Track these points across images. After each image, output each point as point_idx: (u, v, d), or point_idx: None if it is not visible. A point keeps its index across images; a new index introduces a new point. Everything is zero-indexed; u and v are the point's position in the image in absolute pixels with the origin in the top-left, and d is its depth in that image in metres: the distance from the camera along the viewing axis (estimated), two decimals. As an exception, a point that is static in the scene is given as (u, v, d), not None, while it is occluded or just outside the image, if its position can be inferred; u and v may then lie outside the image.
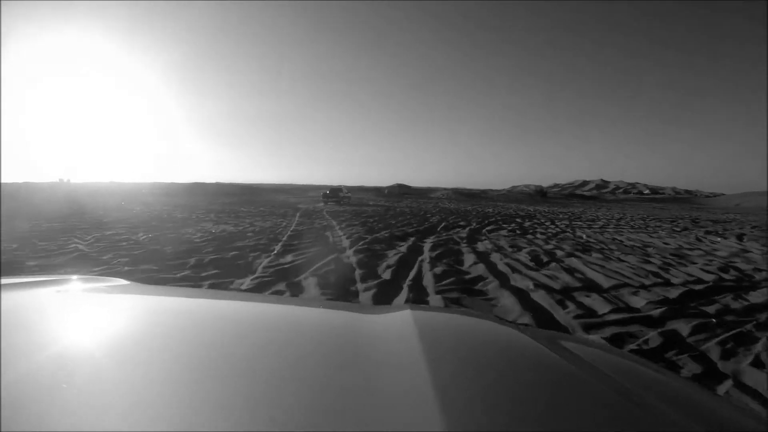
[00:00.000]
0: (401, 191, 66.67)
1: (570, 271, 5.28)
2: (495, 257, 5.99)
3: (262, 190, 60.06)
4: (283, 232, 8.58)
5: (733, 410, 0.56)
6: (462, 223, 12.01)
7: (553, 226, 12.07)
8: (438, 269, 4.95)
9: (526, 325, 2.20)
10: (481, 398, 0.43)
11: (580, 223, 13.99)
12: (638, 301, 4.06)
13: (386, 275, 4.66)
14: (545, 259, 5.97)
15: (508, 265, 5.42)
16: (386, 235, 8.38)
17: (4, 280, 0.88)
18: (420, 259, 5.69)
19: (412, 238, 8.00)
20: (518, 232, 10.10)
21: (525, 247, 7.19)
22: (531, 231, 10.34)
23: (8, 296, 0.74)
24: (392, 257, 5.75)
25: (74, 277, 1.00)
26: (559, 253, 6.63)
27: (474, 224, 11.93)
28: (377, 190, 66.79)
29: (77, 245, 6.61)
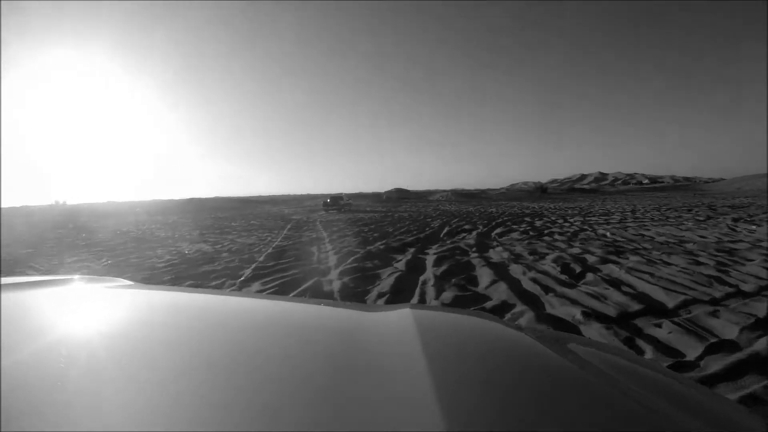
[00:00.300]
0: (400, 196, 65.45)
1: (615, 284, 4.14)
2: (516, 270, 4.82)
3: (259, 203, 59.21)
4: (263, 250, 7.41)
5: (735, 410, 0.54)
6: (467, 227, 10.83)
7: (567, 224, 10.90)
8: (447, 295, 3.78)
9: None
10: (482, 398, 0.42)
11: (594, 218, 12.83)
12: (727, 328, 2.94)
13: (379, 308, 3.51)
14: (578, 269, 4.81)
15: (535, 281, 4.26)
16: (381, 247, 7.18)
17: (5, 280, 0.88)
18: (422, 279, 4.52)
19: (412, 250, 6.83)
20: (532, 233, 8.91)
21: (547, 253, 6.02)
22: (546, 232, 9.13)
23: (9, 296, 0.74)
24: (387, 279, 4.58)
25: (76, 277, 0.98)
26: (590, 258, 5.47)
27: (480, 227, 10.75)
28: (376, 196, 65.63)
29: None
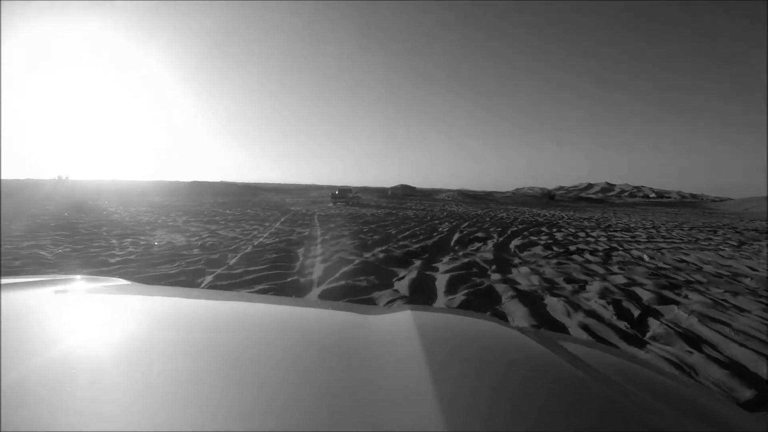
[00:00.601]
0: (405, 192, 64.09)
1: (693, 341, 3.03)
2: (556, 308, 3.68)
3: (264, 190, 58.39)
4: (242, 248, 6.32)
5: (734, 410, 0.54)
6: (480, 235, 9.66)
7: (592, 239, 9.71)
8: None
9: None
10: (482, 399, 0.42)
11: (618, 234, 11.63)
12: None
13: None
14: (634, 311, 3.68)
15: (587, 329, 3.13)
16: (381, 255, 6.04)
17: (5, 280, 0.87)
18: (433, 314, 3.40)
19: (418, 262, 5.69)
20: (557, 249, 7.72)
21: (586, 281, 4.86)
22: (573, 249, 7.89)
23: (9, 296, 0.73)
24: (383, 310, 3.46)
25: (77, 277, 0.98)
26: (644, 295, 4.31)
27: (495, 236, 9.58)
28: (381, 191, 64.31)
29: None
